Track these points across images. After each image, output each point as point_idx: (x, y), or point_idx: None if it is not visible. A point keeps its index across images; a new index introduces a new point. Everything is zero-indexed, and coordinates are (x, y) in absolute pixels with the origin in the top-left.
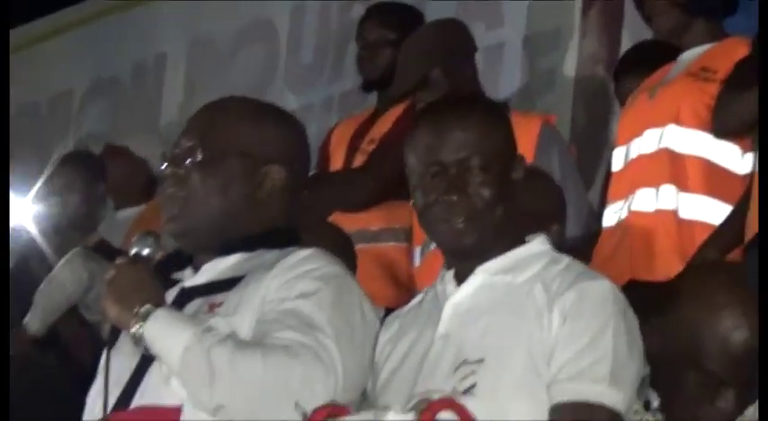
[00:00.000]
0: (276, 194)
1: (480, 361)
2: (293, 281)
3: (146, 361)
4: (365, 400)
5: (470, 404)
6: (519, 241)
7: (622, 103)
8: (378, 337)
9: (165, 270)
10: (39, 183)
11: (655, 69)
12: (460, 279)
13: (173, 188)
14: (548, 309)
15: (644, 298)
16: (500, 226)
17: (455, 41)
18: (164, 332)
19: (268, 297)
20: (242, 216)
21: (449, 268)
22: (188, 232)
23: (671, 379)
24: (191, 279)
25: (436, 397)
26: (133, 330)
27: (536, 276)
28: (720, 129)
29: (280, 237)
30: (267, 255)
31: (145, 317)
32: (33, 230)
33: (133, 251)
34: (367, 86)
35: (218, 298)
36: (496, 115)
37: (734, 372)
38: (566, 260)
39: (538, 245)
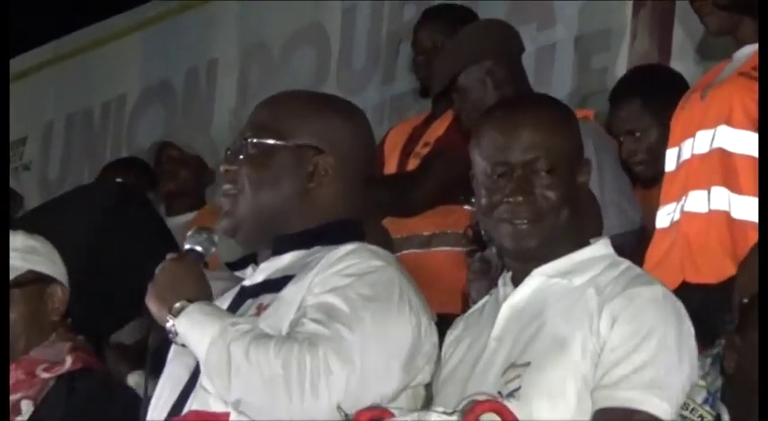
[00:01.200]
0: (329, 186)
1: (526, 364)
2: (330, 277)
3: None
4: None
5: (514, 406)
6: (582, 244)
7: (612, 133)
8: (430, 333)
9: (236, 268)
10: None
11: (654, 94)
12: (517, 280)
13: (227, 185)
14: (597, 314)
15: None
16: (563, 229)
17: (486, 43)
18: (193, 327)
19: (307, 295)
20: (294, 210)
21: (508, 270)
22: (239, 228)
23: (739, 399)
24: (250, 277)
25: (482, 398)
26: (167, 325)
27: (591, 280)
28: None
29: (336, 232)
30: (321, 252)
31: (178, 313)
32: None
33: (186, 247)
34: (424, 91)
35: (266, 299)
36: (565, 116)
37: None
38: (624, 264)
39: (600, 248)
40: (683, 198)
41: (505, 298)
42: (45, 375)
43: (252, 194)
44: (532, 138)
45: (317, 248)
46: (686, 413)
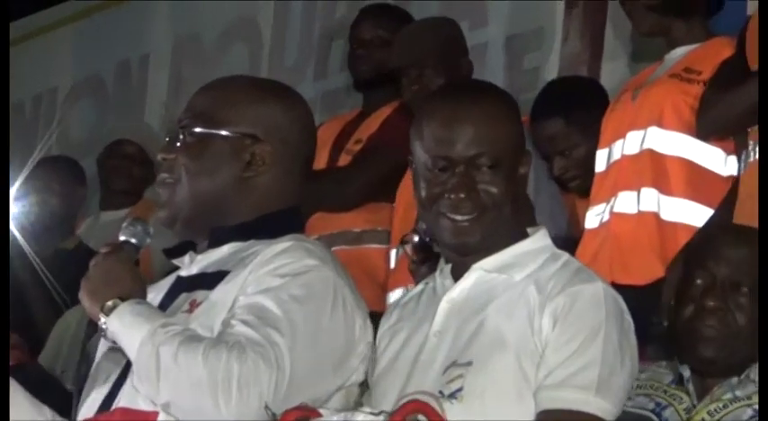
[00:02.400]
0: (269, 175)
1: (468, 363)
2: (263, 276)
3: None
4: (367, 389)
5: (456, 408)
6: (521, 235)
7: (539, 148)
8: (365, 332)
9: (173, 255)
10: (17, 183)
11: (576, 111)
12: (457, 274)
13: (164, 174)
14: (539, 312)
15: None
16: (505, 223)
17: (451, 37)
18: (124, 327)
19: (240, 294)
20: (232, 199)
21: (447, 262)
22: (177, 218)
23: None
24: (186, 268)
25: (423, 398)
26: (99, 323)
27: (532, 275)
28: (704, 130)
29: (273, 224)
30: (257, 245)
31: (110, 312)
32: (13, 229)
33: (121, 239)
34: (359, 85)
35: (199, 295)
36: (508, 107)
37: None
38: (563, 257)
39: (538, 239)
40: (613, 199)
41: (444, 291)
42: None
43: (189, 184)
44: (476, 133)
45: (253, 242)
46: (663, 396)
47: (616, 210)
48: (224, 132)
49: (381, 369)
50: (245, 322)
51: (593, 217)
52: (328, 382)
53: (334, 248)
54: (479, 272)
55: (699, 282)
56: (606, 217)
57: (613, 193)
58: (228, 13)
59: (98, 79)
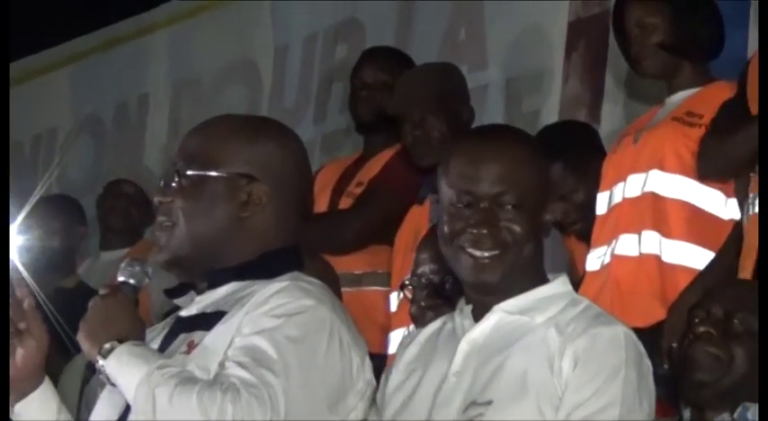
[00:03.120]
0: (265, 214)
1: (488, 403)
2: (258, 316)
3: None
4: None
5: None
6: (542, 280)
7: None
8: (362, 370)
9: (174, 295)
10: (17, 222)
11: (574, 155)
12: (477, 314)
13: (161, 217)
14: (559, 354)
15: None
16: (525, 264)
17: (453, 84)
18: (121, 369)
19: (237, 335)
20: (230, 240)
21: (467, 302)
22: (176, 261)
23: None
24: (186, 308)
25: None
26: (97, 365)
27: (552, 319)
28: (704, 172)
29: (271, 264)
30: (255, 285)
31: (108, 354)
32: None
33: (119, 279)
34: (360, 128)
35: (197, 336)
36: (536, 153)
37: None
38: (584, 303)
39: (559, 285)
40: (614, 241)
41: (464, 331)
42: None
43: (186, 226)
44: (501, 172)
45: (251, 282)
46: None
47: (617, 252)
48: (218, 173)
49: (398, 406)
50: (239, 364)
51: (595, 259)
52: None
53: None
54: (500, 313)
55: (696, 320)
56: (607, 259)
57: (614, 236)
58: (227, 55)
59: (97, 119)
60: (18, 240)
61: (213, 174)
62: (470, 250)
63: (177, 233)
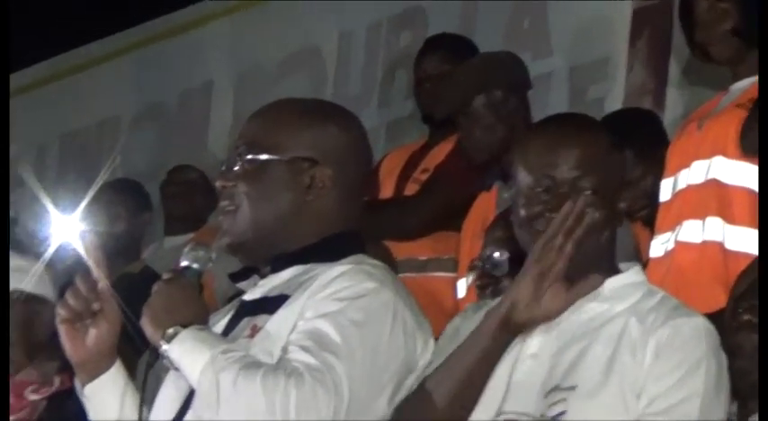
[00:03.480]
0: (328, 198)
1: (572, 388)
2: (321, 300)
3: None
4: None
5: None
6: (615, 269)
7: None
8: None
9: (238, 279)
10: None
11: (643, 142)
12: None
13: (224, 201)
14: (641, 344)
15: None
16: (601, 251)
17: (501, 74)
18: (185, 354)
19: (300, 319)
20: (293, 224)
21: None
22: (239, 246)
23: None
24: (250, 292)
25: (522, 419)
26: (161, 350)
27: (632, 308)
28: (746, 150)
29: (334, 247)
30: (318, 269)
31: (171, 339)
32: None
33: (182, 264)
34: (426, 118)
35: (260, 320)
36: (612, 143)
37: None
38: (660, 293)
39: (634, 274)
40: (678, 228)
41: None
42: (34, 397)
43: (250, 211)
44: (580, 157)
45: (314, 265)
46: None
47: (680, 239)
48: (281, 157)
49: None
50: (303, 348)
51: (659, 245)
52: (384, 407)
53: (399, 275)
54: (579, 300)
55: (740, 309)
56: (671, 246)
57: (678, 222)
58: (292, 42)
59: (162, 106)
60: (82, 226)
61: (276, 158)
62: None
63: (240, 217)
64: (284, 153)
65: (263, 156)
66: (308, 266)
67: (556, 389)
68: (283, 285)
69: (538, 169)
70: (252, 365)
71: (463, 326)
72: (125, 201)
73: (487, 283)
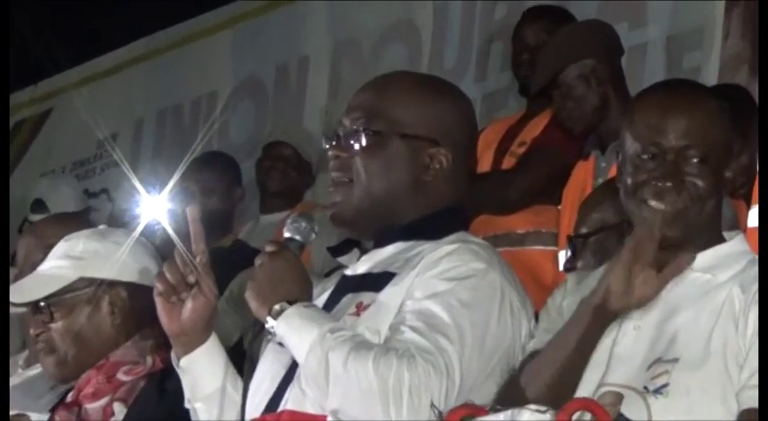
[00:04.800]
0: (442, 178)
1: (675, 360)
2: (429, 279)
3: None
4: None
5: (661, 402)
6: (720, 239)
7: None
8: (530, 333)
9: (335, 253)
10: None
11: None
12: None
13: (337, 172)
14: (744, 314)
15: None
16: (706, 221)
17: (590, 43)
18: (292, 332)
19: (407, 297)
20: (407, 201)
21: None
22: (352, 219)
23: None
24: (352, 267)
25: (624, 392)
26: (267, 326)
27: (735, 277)
28: None
29: (438, 224)
30: (423, 245)
31: (278, 315)
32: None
33: (286, 235)
34: (523, 90)
35: (365, 298)
36: (722, 108)
37: None
38: None
39: (738, 243)
40: None
41: None
42: (126, 378)
43: (367, 183)
44: (689, 125)
45: (418, 242)
46: None
47: None
48: (404, 133)
49: None
50: (414, 329)
51: (756, 215)
52: (496, 388)
53: (498, 249)
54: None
55: None
56: None
57: None
58: (387, 16)
59: (258, 82)
60: (170, 205)
61: (398, 133)
62: (653, 202)
63: (357, 190)
64: (406, 129)
65: (387, 131)
66: (411, 243)
67: (658, 361)
68: (387, 261)
69: (645, 136)
70: (362, 346)
71: (565, 303)
72: (218, 176)
73: (573, 267)
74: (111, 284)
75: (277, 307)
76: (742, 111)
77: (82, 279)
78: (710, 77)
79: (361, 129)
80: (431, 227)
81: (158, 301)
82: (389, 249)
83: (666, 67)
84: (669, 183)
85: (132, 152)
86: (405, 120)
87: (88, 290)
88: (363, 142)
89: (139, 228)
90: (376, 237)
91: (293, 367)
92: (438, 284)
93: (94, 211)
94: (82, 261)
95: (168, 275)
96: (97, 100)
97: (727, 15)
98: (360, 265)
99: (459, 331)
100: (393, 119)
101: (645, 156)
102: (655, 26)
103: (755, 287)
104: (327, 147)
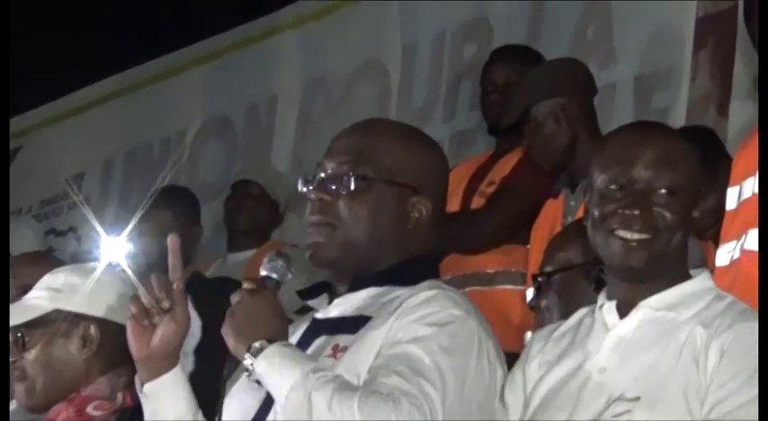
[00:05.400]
0: (421, 226)
1: (636, 399)
2: (410, 324)
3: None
4: None
5: None
6: (685, 276)
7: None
8: (502, 380)
9: (304, 296)
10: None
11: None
12: (622, 310)
13: (317, 216)
14: (705, 350)
15: None
16: (671, 256)
17: (562, 80)
18: (273, 370)
19: (386, 341)
20: (387, 248)
21: (610, 298)
22: (334, 261)
23: None
24: (323, 310)
25: None
26: (245, 363)
27: (698, 314)
28: None
29: (413, 270)
30: (397, 291)
31: (257, 353)
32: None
33: (262, 273)
34: (492, 129)
35: (342, 340)
36: (691, 151)
37: None
38: (729, 298)
39: (703, 280)
40: (744, 236)
41: (608, 327)
42: (96, 412)
43: (351, 228)
44: (659, 158)
45: (393, 287)
46: None
47: (746, 247)
48: (390, 181)
49: (539, 402)
50: (397, 373)
51: (724, 254)
52: None
53: (467, 289)
54: (646, 309)
55: None
56: (737, 254)
57: (744, 231)
58: (356, 55)
59: (227, 121)
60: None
61: (385, 180)
62: (620, 232)
63: (341, 233)
64: (393, 176)
65: (375, 177)
66: (385, 288)
67: (620, 399)
68: (361, 305)
69: (614, 168)
70: (346, 387)
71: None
72: (175, 214)
73: (537, 305)
74: (85, 318)
75: (257, 344)
76: (710, 155)
77: (57, 311)
78: (679, 117)
79: (350, 173)
80: (406, 274)
81: (129, 324)
82: (362, 294)
83: (635, 107)
84: (636, 212)
85: (102, 190)
86: (392, 167)
87: (61, 322)
88: (351, 186)
89: (99, 269)
90: (351, 281)
91: (266, 403)
92: (419, 329)
93: (55, 251)
94: (60, 293)
95: (143, 298)
96: (66, 138)
97: (695, 56)
98: (332, 309)
99: (441, 376)
100: (381, 165)
101: (613, 186)
102: (624, 66)
103: (717, 322)
104: (306, 189)
